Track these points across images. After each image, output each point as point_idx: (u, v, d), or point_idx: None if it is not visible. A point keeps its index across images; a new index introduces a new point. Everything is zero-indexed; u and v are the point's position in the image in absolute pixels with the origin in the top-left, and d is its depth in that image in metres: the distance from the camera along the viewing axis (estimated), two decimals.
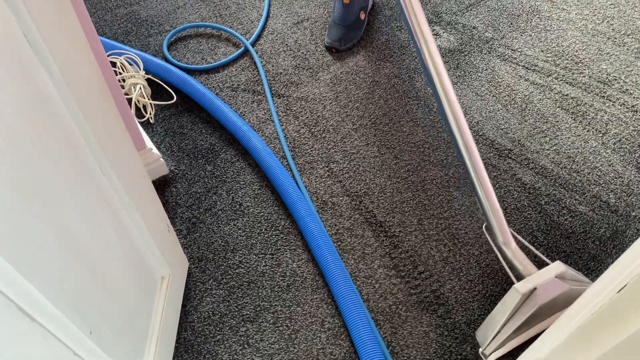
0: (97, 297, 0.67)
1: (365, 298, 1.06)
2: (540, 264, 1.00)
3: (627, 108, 1.35)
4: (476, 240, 1.13)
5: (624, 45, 1.48)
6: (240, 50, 1.50)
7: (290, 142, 1.31)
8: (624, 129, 1.31)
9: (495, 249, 1.02)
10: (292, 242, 1.14)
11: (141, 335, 0.85)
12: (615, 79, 1.41)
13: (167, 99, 1.39)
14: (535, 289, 0.89)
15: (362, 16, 1.52)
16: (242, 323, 1.03)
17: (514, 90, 1.40)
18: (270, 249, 1.12)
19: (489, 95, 1.39)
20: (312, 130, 1.33)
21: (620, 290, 0.47)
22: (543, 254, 1.11)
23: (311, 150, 1.29)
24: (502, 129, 1.32)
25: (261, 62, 1.48)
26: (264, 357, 0.99)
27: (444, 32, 1.54)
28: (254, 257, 1.11)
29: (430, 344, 1.00)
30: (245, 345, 1.00)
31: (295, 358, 0.98)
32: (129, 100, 1.32)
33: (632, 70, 1.43)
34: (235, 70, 1.47)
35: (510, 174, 1.23)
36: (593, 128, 1.31)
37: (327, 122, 1.35)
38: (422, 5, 1.62)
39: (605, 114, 1.34)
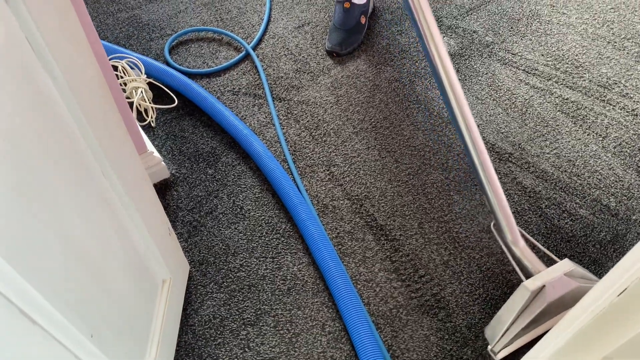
0: (98, 300, 0.67)
1: (365, 301, 1.06)
2: (548, 263, 1.00)
3: (627, 112, 1.35)
4: (477, 244, 1.13)
5: (624, 49, 1.49)
6: (241, 54, 1.51)
7: (291, 146, 1.31)
8: (624, 133, 1.31)
9: (503, 247, 1.02)
10: (292, 246, 1.14)
11: (142, 338, 0.85)
12: (616, 83, 1.41)
13: (168, 102, 1.39)
14: (544, 286, 0.89)
15: (363, 20, 1.53)
16: (243, 326, 1.03)
17: (514, 94, 1.40)
18: (271, 253, 1.13)
19: (490, 99, 1.39)
20: (313, 133, 1.33)
21: (620, 294, 0.48)
22: (544, 257, 1.11)
23: (312, 154, 1.29)
24: (502, 133, 1.32)
25: (262, 66, 1.49)
26: None
27: (444, 37, 1.55)
28: (255, 260, 1.11)
29: (431, 347, 1.00)
30: (246, 349, 1.00)
31: None
32: (131, 104, 1.33)
33: (632, 74, 1.43)
34: (237, 74, 1.47)
35: (510, 177, 1.24)
36: (593, 132, 1.31)
37: (327, 126, 1.35)
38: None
39: (605, 118, 1.34)
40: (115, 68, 1.37)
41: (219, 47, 1.55)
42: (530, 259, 0.98)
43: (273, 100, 1.41)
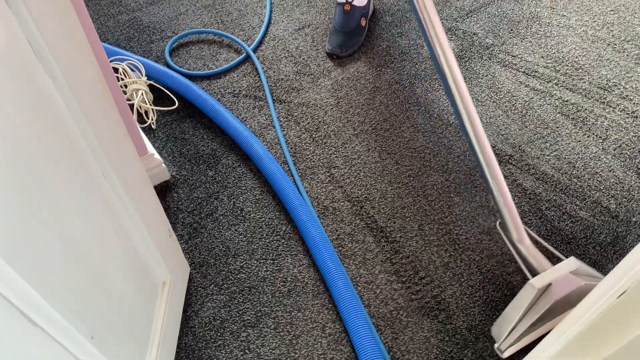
0: (99, 302, 0.67)
1: (366, 303, 1.06)
2: (554, 261, 1.00)
3: (627, 114, 1.35)
4: (477, 246, 1.13)
5: (623, 52, 1.49)
6: (241, 57, 1.51)
7: (291, 148, 1.31)
8: (624, 135, 1.31)
9: (509, 245, 1.02)
10: (293, 248, 1.14)
11: (142, 340, 0.85)
12: (615, 85, 1.41)
13: (168, 104, 1.40)
14: (550, 284, 0.90)
15: (363, 22, 1.53)
16: (243, 328, 1.03)
17: (514, 96, 1.40)
18: (271, 254, 1.13)
19: (489, 101, 1.40)
20: (313, 135, 1.33)
21: (620, 296, 0.48)
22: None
23: (312, 156, 1.29)
24: (502, 135, 1.32)
25: (262, 68, 1.49)
26: None
27: None
28: (255, 262, 1.12)
29: (431, 349, 1.00)
30: (246, 351, 1.00)
31: None
32: (131, 106, 1.33)
33: (632, 77, 1.43)
34: (237, 76, 1.48)
35: (510, 179, 1.24)
36: (593, 134, 1.32)
37: (328, 128, 1.35)
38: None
39: (605, 120, 1.34)
40: (115, 70, 1.37)
41: (220, 49, 1.55)
42: (536, 257, 0.99)
43: (273, 102, 1.41)
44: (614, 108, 1.36)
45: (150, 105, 1.36)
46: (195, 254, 1.13)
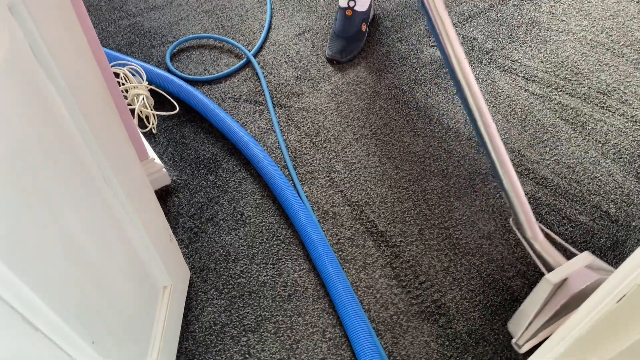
0: (100, 307, 0.68)
1: (366, 308, 1.06)
2: (567, 257, 1.00)
3: (626, 118, 1.36)
4: (477, 250, 1.14)
5: (622, 56, 1.49)
6: (242, 62, 1.52)
7: (291, 152, 1.31)
8: (624, 139, 1.31)
9: (523, 241, 1.02)
10: (293, 252, 1.14)
11: (143, 345, 0.85)
12: (615, 90, 1.42)
13: (169, 109, 1.40)
14: (566, 279, 0.90)
15: (364, 28, 1.54)
16: (244, 333, 1.03)
17: (513, 101, 1.41)
18: (271, 259, 1.13)
19: (489, 105, 1.40)
20: (314, 140, 1.34)
21: (619, 300, 0.48)
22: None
23: (312, 160, 1.30)
24: (502, 139, 1.32)
25: (263, 73, 1.49)
26: None
27: None
28: (255, 266, 1.12)
29: (432, 354, 1.00)
30: (247, 355, 1.00)
31: None
32: (132, 111, 1.33)
33: (631, 81, 1.43)
34: (237, 81, 1.48)
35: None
36: (593, 138, 1.32)
37: (328, 132, 1.35)
38: (422, 17, 1.63)
39: (604, 125, 1.34)
40: (117, 75, 1.37)
41: (220, 54, 1.55)
42: (550, 252, 0.99)
43: (274, 107, 1.41)
44: (614, 112, 1.37)
45: (151, 110, 1.36)
46: (195, 259, 1.13)
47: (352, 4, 1.50)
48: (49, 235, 0.55)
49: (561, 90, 1.43)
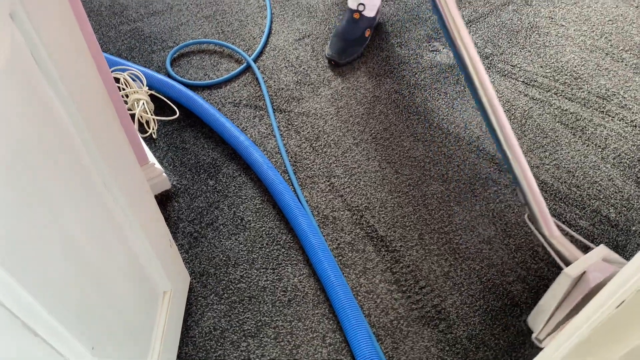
0: (100, 312, 0.68)
1: (366, 313, 1.06)
2: (583, 251, 1.01)
3: (626, 123, 1.36)
4: (477, 255, 1.14)
5: (622, 61, 1.50)
6: (242, 67, 1.52)
7: (291, 157, 1.32)
8: (623, 144, 1.31)
9: (539, 237, 1.03)
10: (293, 257, 1.14)
11: (143, 350, 0.85)
12: (614, 94, 1.42)
13: (169, 114, 1.40)
14: (584, 272, 0.91)
15: (367, 33, 1.54)
16: (243, 338, 1.03)
17: (513, 106, 1.41)
18: (271, 264, 1.13)
19: None
20: (313, 145, 1.34)
21: (619, 306, 0.48)
22: (544, 267, 1.11)
23: (312, 165, 1.30)
24: None
25: (263, 77, 1.50)
26: None
27: (444, 48, 1.56)
28: (255, 271, 1.12)
29: (432, 359, 1.00)
30: None
31: None
32: (132, 116, 1.34)
33: (630, 86, 1.44)
34: (238, 86, 1.49)
35: (510, 188, 1.24)
36: (592, 143, 1.32)
37: (328, 137, 1.36)
38: (421, 22, 1.64)
39: (604, 129, 1.35)
40: (117, 80, 1.38)
41: (220, 59, 1.56)
42: (567, 246, 1.00)
43: (274, 112, 1.42)
44: (613, 117, 1.37)
45: (152, 115, 1.36)
46: (195, 264, 1.13)
47: (361, 7, 1.50)
48: (49, 240, 0.55)
49: (561, 95, 1.43)
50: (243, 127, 1.38)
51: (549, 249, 1.01)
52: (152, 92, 1.42)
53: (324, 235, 1.17)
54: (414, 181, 1.26)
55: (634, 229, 1.16)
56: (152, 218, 0.89)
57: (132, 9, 1.71)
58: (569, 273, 0.90)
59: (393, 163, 1.30)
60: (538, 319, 0.97)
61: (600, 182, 1.25)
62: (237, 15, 1.69)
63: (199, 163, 1.31)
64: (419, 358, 1.00)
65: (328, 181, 1.27)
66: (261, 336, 1.03)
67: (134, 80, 1.40)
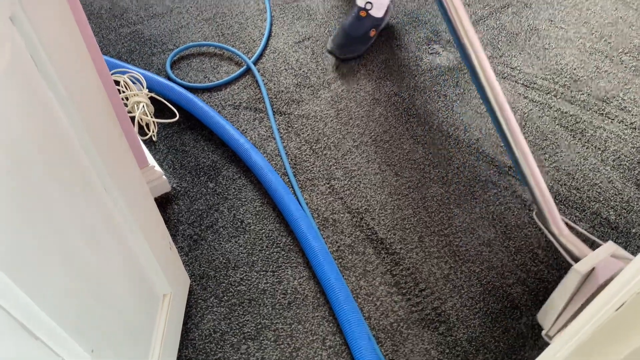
0: (99, 315, 0.68)
1: (366, 315, 1.05)
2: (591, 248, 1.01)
3: (625, 125, 1.36)
4: (477, 258, 1.14)
5: (621, 63, 1.50)
6: (242, 69, 1.52)
7: (291, 159, 1.32)
8: (623, 146, 1.31)
9: (548, 234, 1.04)
10: (293, 259, 1.14)
11: (142, 353, 0.85)
12: (614, 97, 1.42)
13: (169, 116, 1.40)
14: (593, 268, 0.91)
15: (372, 33, 1.53)
16: (243, 341, 1.02)
17: (513, 108, 1.41)
18: (271, 266, 1.13)
19: (487, 113, 1.40)
20: (313, 147, 1.34)
21: (618, 309, 0.48)
22: (544, 270, 1.11)
23: (312, 167, 1.30)
24: (502, 147, 1.33)
25: (263, 80, 1.50)
26: None
27: (443, 51, 1.56)
28: (255, 274, 1.12)
29: None
30: None
31: None
32: (132, 118, 1.34)
33: (630, 88, 1.44)
34: (237, 88, 1.49)
35: (510, 190, 1.24)
36: (592, 145, 1.32)
37: (328, 140, 1.36)
38: (421, 25, 1.64)
39: (604, 131, 1.35)
40: (117, 83, 1.38)
41: (220, 61, 1.56)
42: (575, 243, 1.01)
43: (274, 114, 1.42)
44: (613, 119, 1.37)
45: (152, 117, 1.36)
46: (195, 266, 1.13)
47: (368, 6, 1.50)
48: (48, 243, 0.55)
49: (560, 97, 1.43)
50: (243, 130, 1.38)
51: (557, 245, 1.02)
52: (152, 94, 1.42)
53: (323, 238, 1.17)
54: (413, 184, 1.26)
55: (634, 231, 1.16)
56: (152, 221, 0.89)
57: (132, 12, 1.71)
58: (579, 269, 0.91)
59: (393, 165, 1.30)
60: (548, 315, 0.98)
61: (600, 184, 1.25)
62: (237, 18, 1.69)
63: (198, 165, 1.31)
64: None
65: (328, 184, 1.27)
66: (261, 339, 1.02)
67: (134, 82, 1.40)
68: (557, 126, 1.37)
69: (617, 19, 1.63)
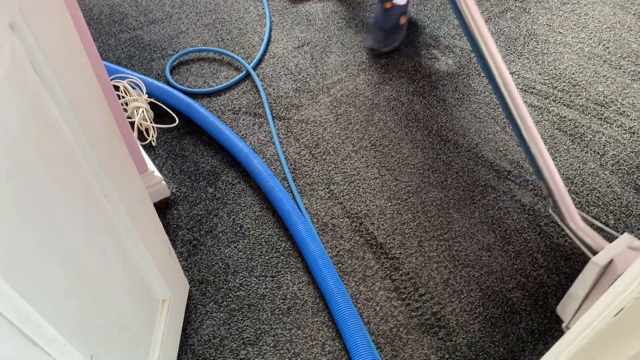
0: (98, 321, 0.67)
1: (366, 321, 1.05)
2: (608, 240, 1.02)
3: (624, 130, 1.36)
4: (477, 262, 1.13)
5: (620, 68, 1.50)
6: (241, 74, 1.52)
7: (290, 164, 1.32)
8: (622, 151, 1.32)
9: (565, 228, 1.05)
10: (292, 264, 1.14)
11: (141, 358, 0.84)
12: (612, 101, 1.42)
13: (169, 122, 1.41)
14: (612, 260, 0.92)
15: (402, 20, 1.57)
16: (243, 346, 1.02)
17: None
18: (270, 271, 1.13)
19: (488, 117, 1.41)
20: (313, 152, 1.34)
21: (617, 314, 0.48)
22: (543, 274, 1.11)
23: (311, 172, 1.30)
24: (501, 151, 1.33)
25: (262, 85, 1.50)
26: None
27: (442, 56, 1.57)
28: (255, 279, 1.11)
29: None
30: None
31: None
32: (132, 124, 1.34)
33: (628, 93, 1.44)
34: (237, 93, 1.49)
35: (509, 195, 1.24)
36: (591, 150, 1.32)
37: (327, 144, 1.36)
38: (420, 30, 1.65)
39: (602, 136, 1.35)
40: (116, 88, 1.38)
41: (220, 67, 1.56)
42: (592, 236, 1.02)
43: (273, 119, 1.42)
44: (611, 124, 1.37)
45: (151, 122, 1.37)
46: (194, 271, 1.13)
47: None
48: (47, 248, 0.55)
49: (559, 102, 1.43)
50: (242, 135, 1.38)
51: (574, 239, 1.03)
52: (152, 100, 1.43)
53: (323, 243, 1.17)
54: (413, 188, 1.26)
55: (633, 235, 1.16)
56: (151, 226, 0.89)
57: (131, 17, 1.72)
58: (597, 262, 0.91)
59: (392, 170, 1.30)
60: (568, 308, 0.99)
61: (599, 188, 1.25)
62: (237, 23, 1.69)
63: (198, 170, 1.31)
64: None
65: (327, 188, 1.27)
66: (260, 344, 1.02)
67: (133, 88, 1.41)
68: (555, 130, 1.37)
69: (616, 23, 1.64)
